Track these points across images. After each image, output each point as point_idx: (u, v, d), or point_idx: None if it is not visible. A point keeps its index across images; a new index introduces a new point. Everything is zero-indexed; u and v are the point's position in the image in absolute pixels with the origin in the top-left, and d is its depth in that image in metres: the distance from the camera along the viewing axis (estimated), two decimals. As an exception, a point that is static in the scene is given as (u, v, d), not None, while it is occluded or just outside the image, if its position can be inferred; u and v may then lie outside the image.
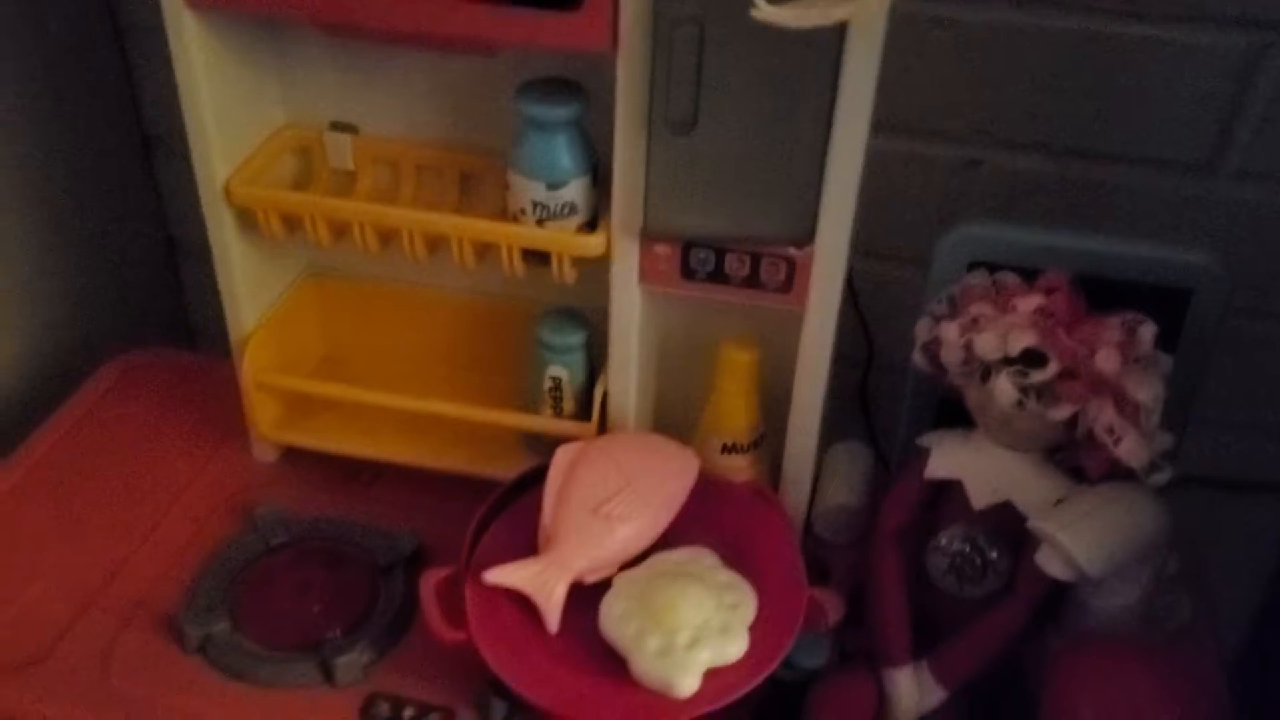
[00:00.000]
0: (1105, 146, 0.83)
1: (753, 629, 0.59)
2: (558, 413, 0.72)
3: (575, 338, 0.71)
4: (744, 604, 0.59)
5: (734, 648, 0.57)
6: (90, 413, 0.83)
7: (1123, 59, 0.79)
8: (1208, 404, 0.90)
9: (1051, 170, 0.86)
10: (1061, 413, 0.60)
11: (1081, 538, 0.59)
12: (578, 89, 0.63)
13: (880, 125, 0.82)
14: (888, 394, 0.80)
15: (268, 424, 0.75)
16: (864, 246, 0.82)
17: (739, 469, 0.71)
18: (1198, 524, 0.85)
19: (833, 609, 0.68)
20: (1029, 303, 0.60)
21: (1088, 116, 0.83)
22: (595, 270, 0.66)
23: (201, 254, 0.76)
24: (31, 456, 0.79)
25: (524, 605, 0.61)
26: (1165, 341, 0.63)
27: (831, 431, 0.79)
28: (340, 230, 0.69)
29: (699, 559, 0.62)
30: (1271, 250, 0.83)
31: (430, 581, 0.62)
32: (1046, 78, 0.82)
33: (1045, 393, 0.60)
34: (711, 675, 0.57)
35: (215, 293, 0.73)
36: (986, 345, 0.61)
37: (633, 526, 0.62)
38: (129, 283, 1.02)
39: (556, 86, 0.63)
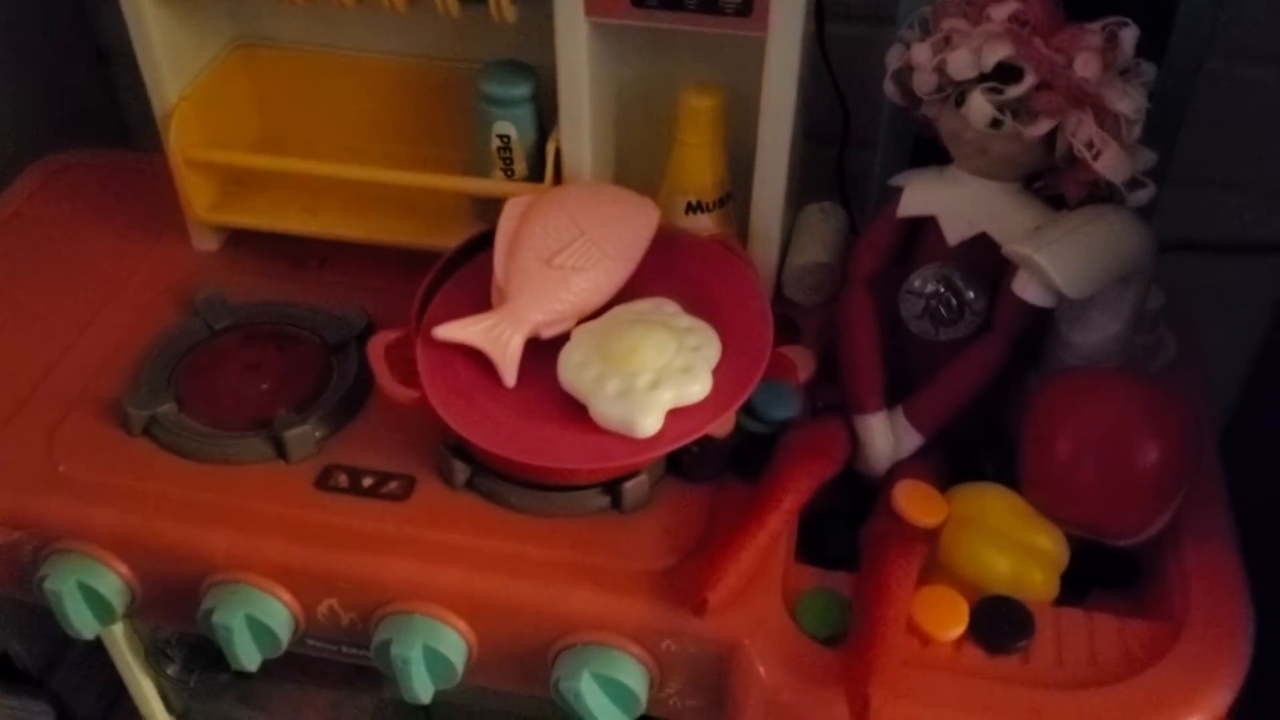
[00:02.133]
0: None
1: (717, 372, 0.56)
2: (509, 175, 0.68)
3: (522, 89, 0.66)
4: (707, 346, 0.57)
5: (697, 387, 0.55)
6: (18, 212, 0.79)
7: None
8: (1196, 164, 0.87)
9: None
10: (1039, 128, 0.56)
11: (1059, 258, 0.56)
12: None
13: None
14: (865, 173, 0.76)
15: (203, 205, 0.71)
16: (838, 8, 0.77)
17: (705, 228, 0.68)
18: (1187, 288, 0.83)
19: (803, 365, 0.66)
20: (1002, 10, 0.56)
21: None
22: (538, 9, 0.61)
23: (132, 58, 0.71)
24: None
25: (480, 362, 0.58)
26: (1150, 50, 0.59)
27: (806, 202, 0.75)
28: (259, -19, 0.63)
29: (661, 307, 0.59)
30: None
31: (379, 343, 0.59)
32: None
33: (1021, 109, 0.56)
34: (674, 415, 0.54)
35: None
36: (959, 63, 0.57)
37: (589, 277, 0.59)
38: (63, 89, 0.96)
39: None
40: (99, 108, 1.03)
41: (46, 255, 0.75)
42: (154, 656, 0.77)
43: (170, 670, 0.77)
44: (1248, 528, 0.61)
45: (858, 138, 0.83)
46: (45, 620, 0.62)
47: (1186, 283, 0.85)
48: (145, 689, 0.78)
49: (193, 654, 0.78)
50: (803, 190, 0.77)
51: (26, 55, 0.91)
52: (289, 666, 0.65)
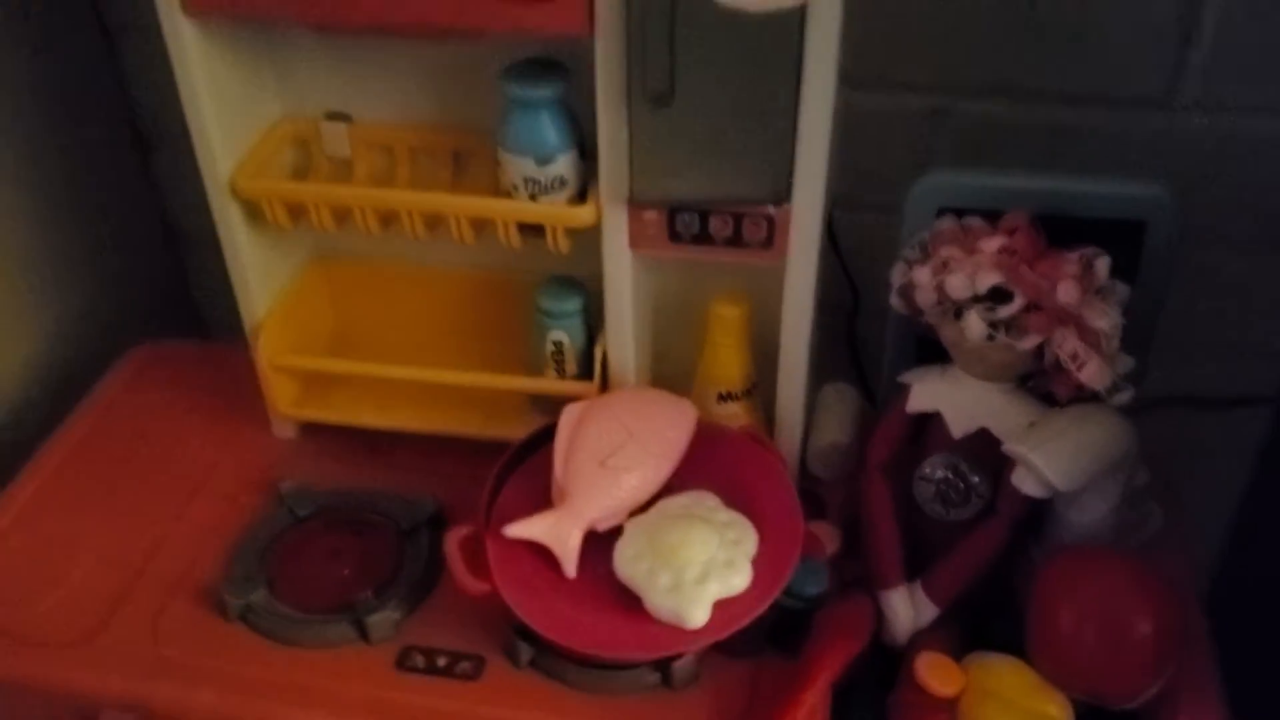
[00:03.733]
0: (1063, 89, 0.87)
1: (755, 561, 0.63)
2: (561, 374, 0.77)
3: (573, 303, 0.75)
4: (746, 539, 0.64)
5: (739, 579, 0.62)
6: (114, 402, 0.87)
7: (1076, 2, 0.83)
8: (1174, 327, 0.96)
9: (1014, 115, 0.90)
10: (1029, 343, 0.64)
11: (1052, 457, 0.63)
12: (560, 68, 0.67)
13: (851, 80, 0.85)
14: (875, 337, 0.85)
15: (286, 403, 0.80)
16: (843, 199, 0.86)
17: (735, 415, 0.76)
18: (1173, 442, 0.90)
19: (829, 540, 0.73)
20: (993, 243, 0.65)
21: (1045, 62, 0.86)
22: (588, 238, 0.70)
23: (203, 242, 0.79)
24: (64, 447, 0.83)
25: (543, 555, 0.65)
26: (1124, 271, 0.67)
27: (822, 374, 0.83)
28: (342, 215, 0.73)
29: (702, 501, 0.67)
30: (1221, 178, 0.87)
31: (454, 538, 0.66)
32: (1002, 27, 0.85)
33: (1013, 326, 0.65)
34: (720, 606, 0.62)
35: (221, 278, 0.77)
36: (956, 285, 0.65)
37: (638, 475, 0.67)
38: (135, 276, 1.06)
39: (539, 66, 0.67)
40: (171, 296, 1.12)
41: (141, 442, 0.83)
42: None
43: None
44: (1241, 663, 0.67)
45: (867, 305, 0.91)
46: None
47: (1173, 437, 0.93)
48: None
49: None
50: (820, 355, 0.85)
51: (104, 245, 1.01)
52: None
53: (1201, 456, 1.01)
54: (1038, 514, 0.70)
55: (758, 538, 0.64)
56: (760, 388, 0.77)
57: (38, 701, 0.69)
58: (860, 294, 0.92)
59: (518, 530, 0.65)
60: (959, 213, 0.70)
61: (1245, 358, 0.98)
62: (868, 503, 0.71)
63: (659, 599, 0.61)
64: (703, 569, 0.62)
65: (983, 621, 0.71)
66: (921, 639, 0.68)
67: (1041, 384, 0.69)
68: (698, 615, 0.60)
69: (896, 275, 0.70)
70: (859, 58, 0.86)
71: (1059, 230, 0.67)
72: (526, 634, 0.66)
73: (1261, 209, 0.89)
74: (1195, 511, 1.00)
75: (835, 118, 0.64)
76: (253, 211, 0.73)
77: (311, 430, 0.83)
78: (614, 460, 0.66)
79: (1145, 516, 0.75)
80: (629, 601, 0.63)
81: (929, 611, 0.69)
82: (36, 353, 0.95)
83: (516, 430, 0.74)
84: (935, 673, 0.64)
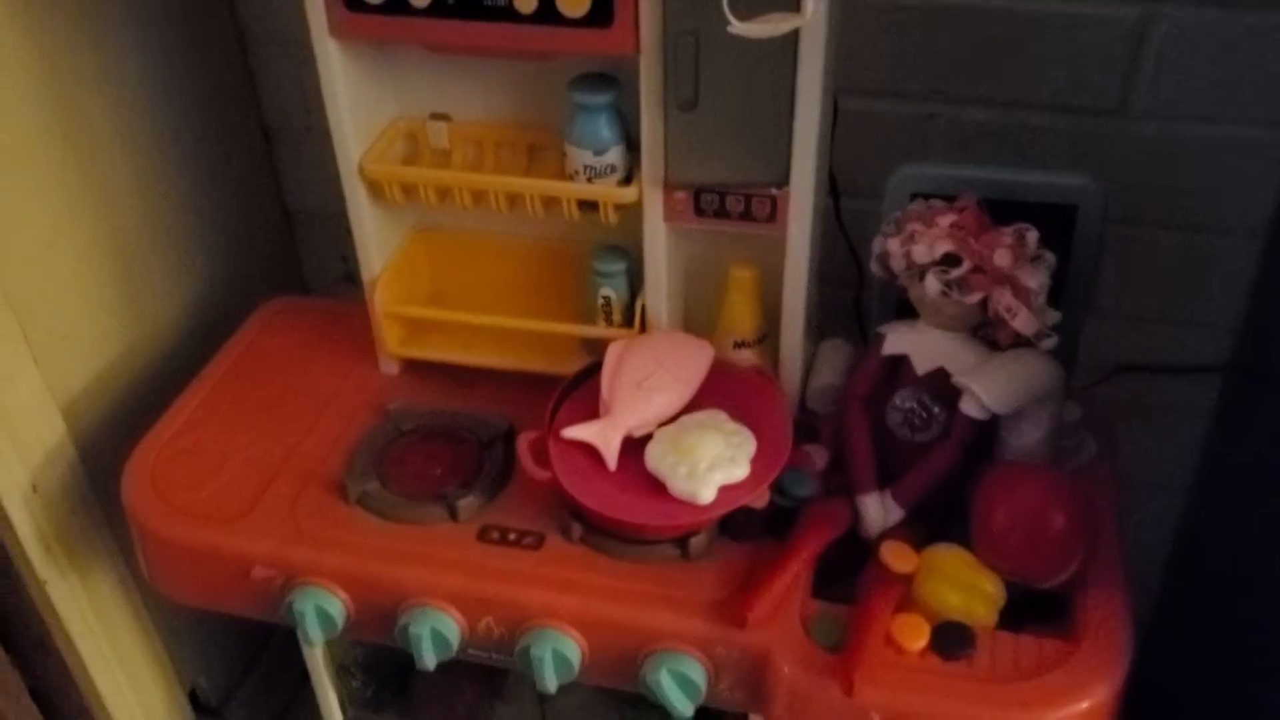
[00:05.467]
0: (1033, 98, 1.04)
1: (754, 460, 0.81)
2: (609, 324, 0.93)
3: (619, 265, 0.93)
4: (747, 444, 0.82)
5: (739, 470, 0.80)
6: (253, 344, 1.06)
7: (1038, 26, 1.00)
8: (1131, 302, 1.12)
9: (993, 119, 1.07)
10: (973, 298, 0.81)
11: (988, 385, 0.81)
12: (613, 80, 0.85)
13: (854, 90, 1.03)
14: (878, 308, 1.01)
15: (393, 343, 0.99)
16: (850, 189, 1.04)
17: (748, 359, 0.93)
18: (1134, 405, 1.07)
19: (820, 457, 0.90)
20: (946, 219, 0.82)
21: (1018, 75, 1.03)
22: (632, 214, 0.88)
23: (311, 220, 0.97)
24: (214, 376, 1.01)
25: (591, 453, 0.83)
26: (1060, 245, 0.84)
27: (831, 334, 1.01)
28: (443, 194, 0.91)
29: (715, 416, 0.85)
30: (1161, 175, 1.03)
31: (525, 440, 0.85)
32: (983, 44, 1.02)
33: (961, 285, 0.82)
34: (724, 489, 0.79)
35: (324, 248, 0.94)
36: (919, 253, 0.83)
37: (666, 396, 0.85)
38: (259, 244, 1.27)
39: (598, 79, 0.84)
40: (284, 261, 1.33)
41: (275, 375, 1.02)
42: (341, 674, 1.03)
43: (353, 684, 1.03)
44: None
45: (868, 280, 1.08)
46: (224, 658, 0.85)
47: (1133, 400, 1.09)
48: (330, 700, 1.04)
49: (368, 674, 1.04)
50: (831, 322, 1.01)
51: (240, 222, 1.22)
52: (439, 678, 0.89)
53: (1161, 419, 1.17)
54: (987, 440, 0.87)
55: (756, 443, 0.83)
56: (770, 339, 0.95)
57: (205, 560, 0.89)
58: (864, 271, 1.09)
59: (573, 433, 0.84)
60: (927, 197, 0.88)
61: (1194, 329, 1.13)
62: (849, 426, 0.88)
63: (678, 483, 0.80)
64: (711, 462, 0.80)
65: (941, 524, 0.88)
66: (890, 535, 0.86)
67: (988, 333, 0.86)
68: (706, 494, 0.79)
69: (876, 246, 0.88)
70: (861, 69, 1.04)
71: (1008, 212, 0.84)
72: (578, 514, 0.84)
73: (1192, 200, 1.05)
74: (1161, 468, 1.17)
75: (825, 120, 0.82)
76: (375, 190, 0.92)
77: (412, 366, 0.99)
78: (648, 383, 0.85)
79: (1078, 445, 0.92)
80: (656, 487, 0.81)
81: (896, 513, 0.86)
82: (191, 304, 1.16)
83: (572, 366, 0.90)
84: (895, 555, 0.82)
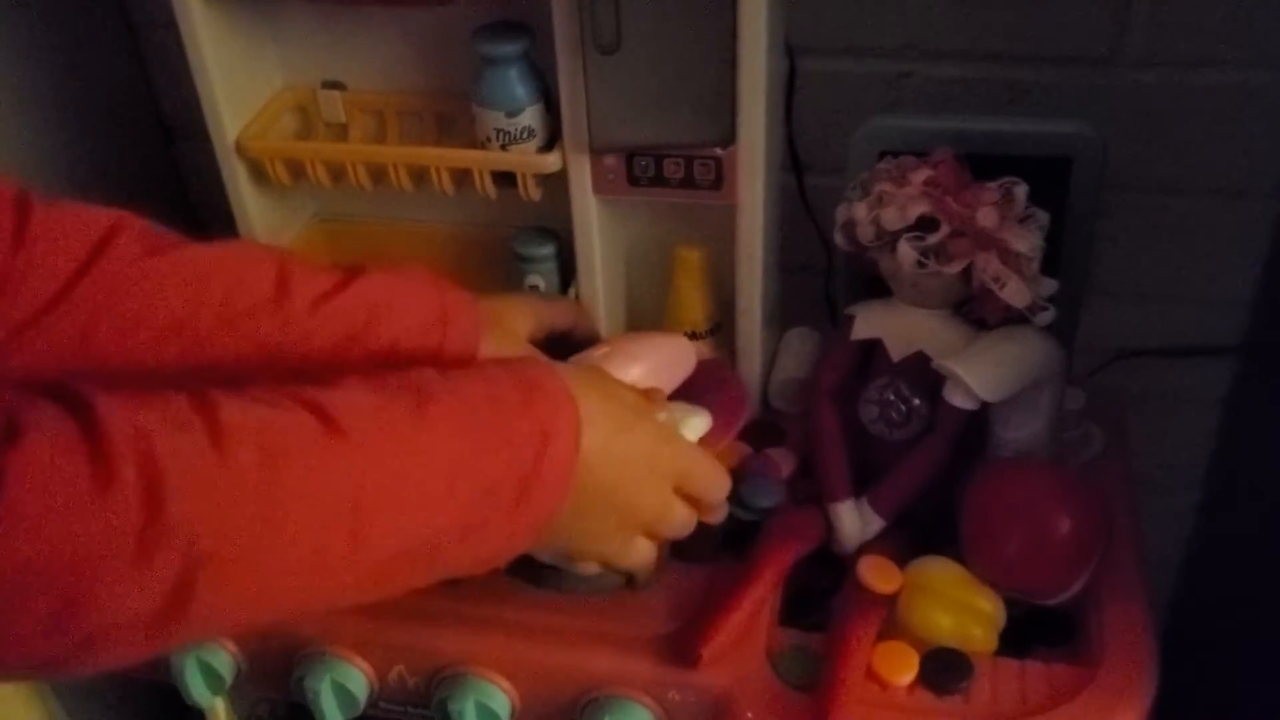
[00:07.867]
0: (1017, 49, 0.93)
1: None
2: (539, 317, 0.83)
3: (546, 249, 0.82)
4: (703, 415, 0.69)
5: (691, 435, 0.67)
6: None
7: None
8: (1136, 279, 1.00)
9: (972, 74, 0.95)
10: (955, 267, 0.70)
11: (975, 368, 0.69)
12: (525, 28, 0.74)
13: (816, 48, 0.92)
14: (849, 294, 0.90)
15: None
16: (815, 164, 0.92)
17: (700, 353, 0.82)
18: (1145, 390, 0.95)
19: (785, 463, 0.79)
20: (919, 175, 0.71)
21: (999, 23, 0.92)
22: (557, 189, 0.77)
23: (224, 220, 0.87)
24: None
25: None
26: (1053, 204, 0.73)
27: (799, 324, 0.89)
28: (337, 173, 0.80)
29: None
30: (1163, 128, 0.92)
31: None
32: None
33: (940, 252, 0.70)
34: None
35: None
36: (889, 218, 0.71)
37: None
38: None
39: (505, 27, 0.74)
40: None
41: None
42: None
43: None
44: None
45: (839, 264, 0.97)
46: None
47: (1140, 387, 0.98)
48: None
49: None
50: (798, 313, 0.90)
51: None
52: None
53: (1171, 408, 1.05)
54: (978, 435, 0.75)
55: (710, 418, 0.69)
56: (725, 328, 0.83)
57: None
58: (833, 254, 0.98)
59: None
60: (898, 155, 0.76)
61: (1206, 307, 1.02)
62: (818, 424, 0.77)
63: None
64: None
65: (928, 534, 0.76)
66: (869, 549, 0.74)
67: (974, 309, 0.74)
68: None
69: (840, 214, 0.76)
70: (826, 24, 0.93)
71: (993, 169, 0.73)
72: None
73: (1199, 160, 0.94)
74: (1170, 462, 1.05)
75: (775, 64, 0.70)
76: (257, 171, 0.81)
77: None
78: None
79: (1083, 438, 0.81)
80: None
81: (875, 523, 0.75)
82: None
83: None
84: (875, 572, 0.70)
